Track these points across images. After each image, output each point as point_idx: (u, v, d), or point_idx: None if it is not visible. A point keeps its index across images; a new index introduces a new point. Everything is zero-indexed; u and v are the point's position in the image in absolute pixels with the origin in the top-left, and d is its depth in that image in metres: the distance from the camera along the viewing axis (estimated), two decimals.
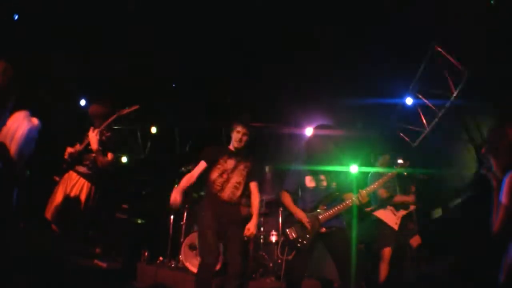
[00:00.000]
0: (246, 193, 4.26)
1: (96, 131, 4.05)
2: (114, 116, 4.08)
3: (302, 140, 4.88)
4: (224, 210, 4.06)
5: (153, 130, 6.67)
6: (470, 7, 4.63)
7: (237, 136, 4.26)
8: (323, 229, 4.08)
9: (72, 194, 3.98)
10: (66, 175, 4.09)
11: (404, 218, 5.03)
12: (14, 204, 2.31)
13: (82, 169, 4.09)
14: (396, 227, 4.96)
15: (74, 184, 4.03)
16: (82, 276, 4.31)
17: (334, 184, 4.23)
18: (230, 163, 4.23)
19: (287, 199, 4.26)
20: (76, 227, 4.07)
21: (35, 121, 2.25)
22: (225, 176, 4.18)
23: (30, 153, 2.25)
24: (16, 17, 4.93)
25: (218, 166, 4.20)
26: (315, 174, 4.26)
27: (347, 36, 5.29)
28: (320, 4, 4.81)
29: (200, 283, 3.76)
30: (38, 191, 4.54)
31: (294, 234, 4.15)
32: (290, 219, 4.23)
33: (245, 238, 4.06)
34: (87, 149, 4.06)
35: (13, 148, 2.18)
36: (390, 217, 5.06)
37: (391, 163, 5.08)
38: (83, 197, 3.99)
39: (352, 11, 4.88)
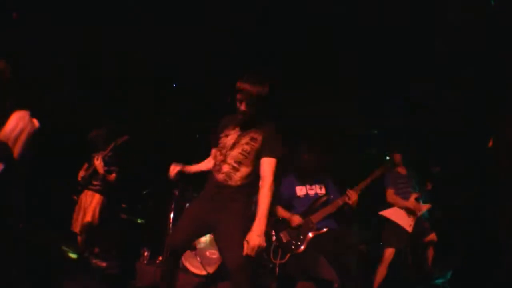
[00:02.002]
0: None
1: (99, 158, 4.91)
2: (111, 146, 4.93)
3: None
4: (217, 195, 3.06)
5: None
6: (470, 6, 4.64)
7: (237, 98, 3.09)
8: (316, 231, 4.12)
9: (89, 208, 4.94)
10: (83, 194, 5.04)
11: (418, 218, 4.82)
12: (15, 204, 2.31)
13: (93, 186, 5.03)
14: (410, 229, 4.75)
15: (90, 200, 4.99)
16: (81, 276, 4.32)
17: (324, 191, 4.29)
18: (232, 137, 3.17)
19: (278, 206, 4.32)
20: (95, 235, 5.01)
21: (36, 122, 2.24)
22: (222, 154, 3.13)
23: (31, 154, 2.24)
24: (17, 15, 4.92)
25: (220, 141, 3.22)
26: (305, 183, 4.32)
27: (348, 35, 5.28)
28: (321, 4, 4.82)
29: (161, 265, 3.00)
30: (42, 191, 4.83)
31: (288, 237, 4.18)
32: (282, 222, 4.28)
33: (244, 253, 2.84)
34: (95, 171, 4.96)
35: (17, 149, 2.17)
36: (403, 218, 4.82)
37: (404, 162, 5.00)
38: (97, 209, 4.96)
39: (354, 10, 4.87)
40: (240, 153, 3.08)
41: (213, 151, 3.31)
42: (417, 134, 6.19)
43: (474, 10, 4.69)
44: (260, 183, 2.99)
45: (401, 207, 4.85)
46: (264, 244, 2.83)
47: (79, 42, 5.36)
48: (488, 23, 4.72)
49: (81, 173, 5.14)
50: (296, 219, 4.17)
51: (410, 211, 4.82)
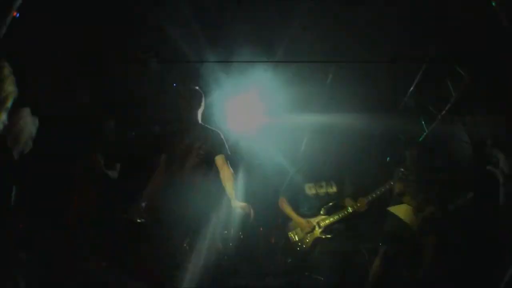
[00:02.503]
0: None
1: (99, 155, 4.90)
2: (112, 144, 4.98)
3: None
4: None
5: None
6: (470, 8, 4.64)
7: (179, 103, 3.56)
8: (323, 235, 4.13)
9: (84, 204, 4.88)
10: (79, 187, 4.94)
11: (424, 219, 4.80)
12: (13, 202, 2.30)
13: (91, 182, 4.93)
14: (414, 227, 4.74)
15: (86, 195, 4.91)
16: (80, 276, 4.32)
17: (334, 190, 4.27)
18: (183, 145, 3.51)
19: (286, 205, 4.29)
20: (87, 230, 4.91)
21: (35, 120, 2.24)
22: (177, 163, 3.46)
23: (31, 152, 2.24)
24: (18, 15, 4.91)
25: (170, 150, 3.57)
26: (315, 181, 4.30)
27: (347, 35, 5.28)
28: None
29: None
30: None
31: (296, 237, 4.19)
32: (291, 222, 4.27)
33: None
34: (93, 168, 4.91)
35: (15, 146, 2.17)
36: (409, 215, 4.78)
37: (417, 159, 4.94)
38: (93, 204, 4.89)
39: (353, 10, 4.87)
40: (196, 158, 3.42)
41: (164, 162, 3.59)
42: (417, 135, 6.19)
43: (474, 10, 4.69)
44: (221, 175, 3.43)
45: (408, 204, 4.81)
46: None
47: (79, 42, 5.36)
48: (488, 23, 4.72)
49: (78, 170, 5.11)
50: (303, 223, 4.16)
51: (416, 210, 4.79)
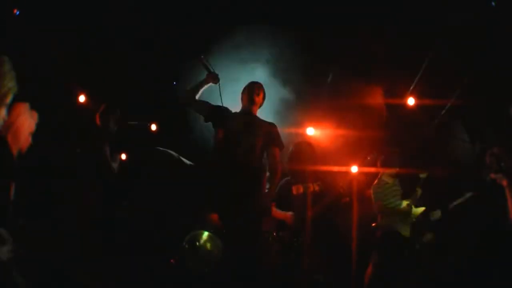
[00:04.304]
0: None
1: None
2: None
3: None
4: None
5: (153, 127, 6.63)
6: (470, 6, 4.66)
7: (251, 91, 3.73)
8: (314, 229, 4.16)
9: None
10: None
11: (414, 223, 4.74)
12: (12, 200, 2.29)
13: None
14: (408, 234, 4.70)
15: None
16: (81, 275, 4.31)
17: (321, 190, 4.31)
18: (239, 122, 3.65)
19: (273, 208, 4.32)
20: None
21: (35, 115, 2.24)
22: (233, 139, 3.58)
23: (28, 147, 2.24)
24: (18, 13, 4.93)
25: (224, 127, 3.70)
26: (302, 182, 4.34)
27: (348, 35, 5.29)
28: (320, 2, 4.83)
29: None
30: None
31: (288, 236, 4.22)
32: (281, 223, 4.31)
33: None
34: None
35: (14, 142, 2.17)
36: (399, 225, 4.71)
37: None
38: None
39: (352, 10, 4.88)
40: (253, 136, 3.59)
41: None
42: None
43: (474, 10, 4.71)
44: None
45: (394, 215, 4.75)
46: None
47: (79, 42, 5.37)
48: (488, 23, 4.74)
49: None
50: (290, 218, 4.20)
51: (404, 217, 4.74)
